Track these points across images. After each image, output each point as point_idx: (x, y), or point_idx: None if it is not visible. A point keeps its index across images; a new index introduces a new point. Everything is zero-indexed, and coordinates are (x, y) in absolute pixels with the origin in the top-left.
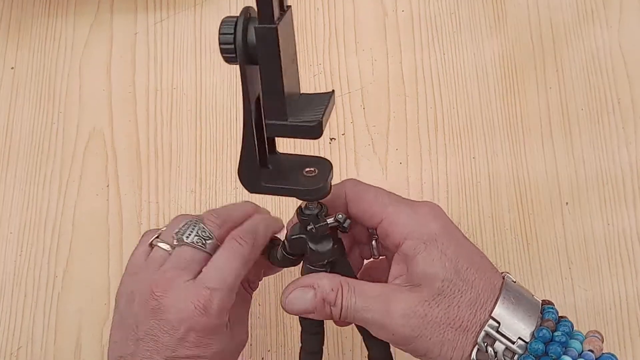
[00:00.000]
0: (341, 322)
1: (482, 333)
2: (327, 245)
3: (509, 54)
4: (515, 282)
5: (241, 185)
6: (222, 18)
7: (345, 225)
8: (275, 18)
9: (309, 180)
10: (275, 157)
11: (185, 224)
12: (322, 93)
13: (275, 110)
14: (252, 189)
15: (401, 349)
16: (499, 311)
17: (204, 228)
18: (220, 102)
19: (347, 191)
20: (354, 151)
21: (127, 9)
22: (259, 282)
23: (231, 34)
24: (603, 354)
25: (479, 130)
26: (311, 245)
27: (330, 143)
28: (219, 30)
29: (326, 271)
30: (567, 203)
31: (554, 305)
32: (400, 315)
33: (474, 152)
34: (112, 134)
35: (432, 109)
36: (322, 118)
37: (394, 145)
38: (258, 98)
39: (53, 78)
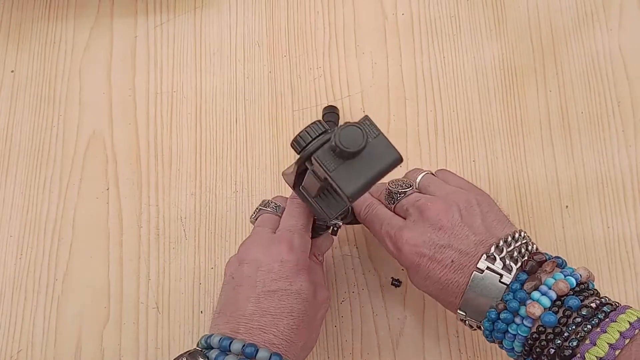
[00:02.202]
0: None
1: (457, 317)
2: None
3: (509, 57)
4: (505, 246)
5: (240, 189)
6: (315, 121)
7: (336, 229)
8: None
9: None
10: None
11: (261, 203)
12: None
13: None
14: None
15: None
16: (463, 307)
17: (273, 203)
18: (220, 105)
19: (361, 219)
20: None
21: (127, 12)
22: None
23: (308, 142)
24: (540, 315)
25: (479, 133)
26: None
27: None
28: (308, 126)
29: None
30: (567, 206)
31: (524, 269)
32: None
33: (473, 155)
34: (112, 137)
35: (432, 112)
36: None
37: None
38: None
39: (53, 81)
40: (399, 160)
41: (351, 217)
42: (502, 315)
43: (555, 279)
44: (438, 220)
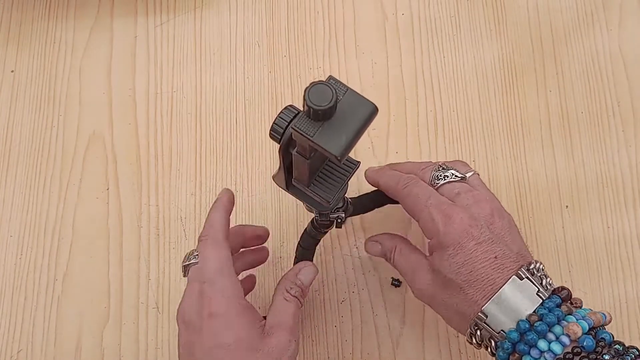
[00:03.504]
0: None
1: (472, 321)
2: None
3: (509, 57)
4: (537, 270)
5: (240, 189)
6: (287, 106)
7: (340, 221)
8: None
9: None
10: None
11: (185, 256)
12: (353, 166)
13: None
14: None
15: None
16: (489, 308)
17: (195, 253)
18: (220, 105)
19: (398, 191)
20: (353, 154)
21: (127, 12)
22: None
23: (285, 127)
24: (580, 337)
25: (479, 134)
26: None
27: None
28: (281, 112)
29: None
30: (567, 206)
31: (559, 293)
32: (418, 288)
33: (473, 155)
34: (112, 137)
35: (432, 112)
36: (332, 199)
37: (394, 148)
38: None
39: (53, 81)
40: (375, 109)
41: (352, 209)
42: (538, 327)
43: (586, 311)
44: (491, 216)
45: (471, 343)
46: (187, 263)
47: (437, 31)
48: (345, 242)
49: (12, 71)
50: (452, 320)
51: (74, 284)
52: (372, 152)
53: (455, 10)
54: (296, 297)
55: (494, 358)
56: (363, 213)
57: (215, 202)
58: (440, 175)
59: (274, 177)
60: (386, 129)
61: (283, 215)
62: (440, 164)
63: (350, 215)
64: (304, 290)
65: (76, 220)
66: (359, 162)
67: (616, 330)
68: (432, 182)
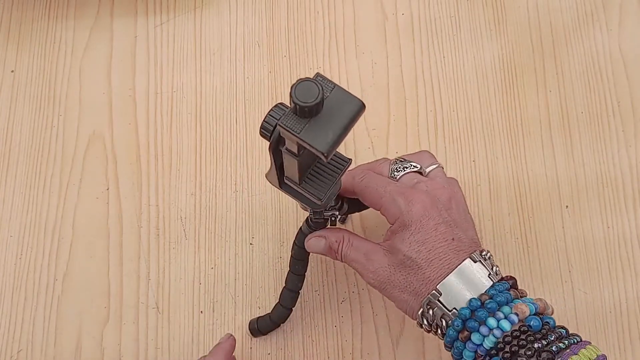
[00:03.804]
0: (342, 261)
1: (426, 299)
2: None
3: (509, 57)
4: (488, 257)
5: (240, 189)
6: (277, 104)
7: (339, 220)
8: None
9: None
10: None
11: None
12: (344, 163)
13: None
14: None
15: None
16: (444, 286)
17: None
18: (220, 105)
19: (355, 185)
20: (354, 154)
21: (127, 12)
22: None
23: (275, 125)
24: (527, 317)
25: (479, 133)
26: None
27: None
28: (271, 110)
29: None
30: (567, 206)
31: (507, 280)
32: (372, 271)
33: (473, 155)
34: (112, 137)
35: (432, 112)
36: (324, 197)
37: (394, 148)
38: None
39: (53, 81)
40: (362, 106)
41: (347, 207)
42: (488, 305)
43: (532, 300)
44: (448, 202)
45: (421, 326)
46: None
47: (437, 31)
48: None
49: (12, 71)
50: (406, 302)
51: (74, 284)
52: (372, 151)
53: (455, 10)
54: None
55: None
56: (359, 211)
57: (215, 346)
58: (399, 168)
59: (267, 176)
60: (386, 129)
61: (283, 215)
62: (398, 157)
63: (346, 214)
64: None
65: (76, 220)
66: (350, 160)
67: (616, 330)
68: (391, 175)
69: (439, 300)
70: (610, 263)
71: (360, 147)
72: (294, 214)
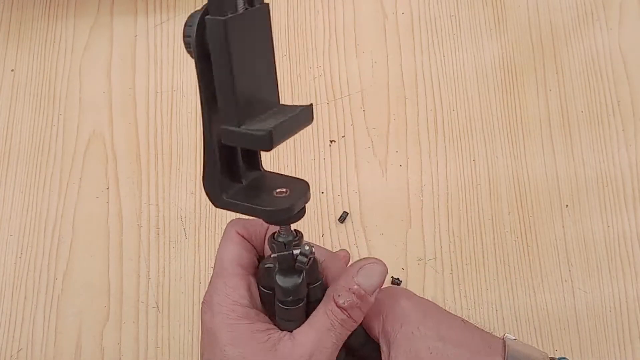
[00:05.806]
0: None
1: None
2: (293, 281)
3: (509, 56)
4: (515, 339)
5: None
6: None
7: (309, 258)
8: (229, 10)
9: (277, 200)
10: (257, 174)
11: None
12: (300, 105)
13: (229, 115)
14: (215, 202)
15: None
16: None
17: None
18: None
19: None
20: (354, 153)
21: (127, 11)
22: None
23: (191, 26)
24: None
25: (479, 133)
26: (277, 277)
27: (330, 145)
28: (184, 26)
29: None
30: (567, 205)
31: None
32: None
33: (474, 154)
34: (112, 136)
35: (432, 112)
36: (272, 128)
37: (394, 148)
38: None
39: (53, 80)
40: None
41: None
42: None
43: None
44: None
45: None
46: None
47: (437, 30)
48: (345, 241)
49: (12, 70)
50: None
51: (74, 283)
52: (372, 151)
53: (455, 9)
54: (346, 312)
55: None
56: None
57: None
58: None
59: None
60: (386, 128)
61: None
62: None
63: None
64: (365, 299)
65: (76, 220)
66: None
67: (616, 329)
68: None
69: None
70: (610, 262)
71: (361, 146)
72: None
